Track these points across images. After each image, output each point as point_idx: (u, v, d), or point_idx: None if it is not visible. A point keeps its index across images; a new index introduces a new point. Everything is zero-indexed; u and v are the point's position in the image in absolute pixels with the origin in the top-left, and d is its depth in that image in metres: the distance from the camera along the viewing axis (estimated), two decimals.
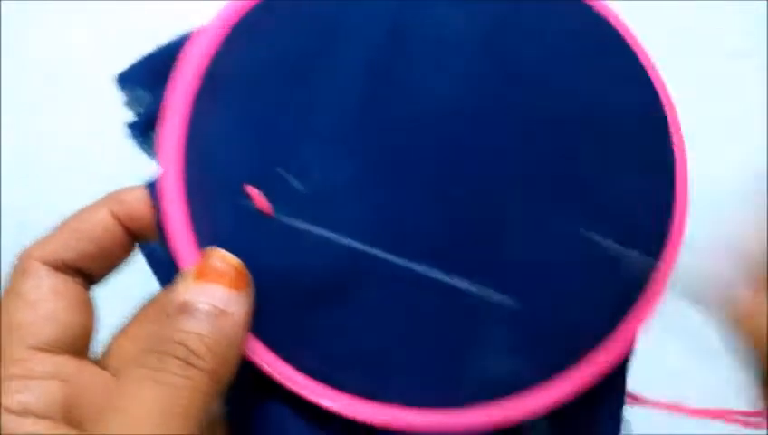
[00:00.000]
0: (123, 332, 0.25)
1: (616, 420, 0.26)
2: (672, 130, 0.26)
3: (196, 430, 0.20)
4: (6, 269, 0.40)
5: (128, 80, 0.26)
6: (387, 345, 0.23)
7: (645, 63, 0.27)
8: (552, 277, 0.24)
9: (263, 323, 0.23)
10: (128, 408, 0.19)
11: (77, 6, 0.45)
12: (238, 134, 0.24)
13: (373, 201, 0.23)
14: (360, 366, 0.23)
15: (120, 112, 0.42)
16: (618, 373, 0.25)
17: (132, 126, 0.26)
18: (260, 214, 0.23)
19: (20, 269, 0.23)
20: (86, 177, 0.42)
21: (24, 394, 0.21)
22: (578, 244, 0.24)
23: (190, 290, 0.21)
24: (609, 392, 0.26)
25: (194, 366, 0.20)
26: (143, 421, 0.19)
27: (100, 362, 0.24)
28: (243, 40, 0.25)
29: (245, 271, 0.22)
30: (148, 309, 0.25)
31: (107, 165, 0.42)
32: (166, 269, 0.24)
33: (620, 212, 0.25)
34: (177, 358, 0.20)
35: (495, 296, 0.23)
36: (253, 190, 0.23)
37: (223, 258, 0.22)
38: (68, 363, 0.22)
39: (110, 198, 0.24)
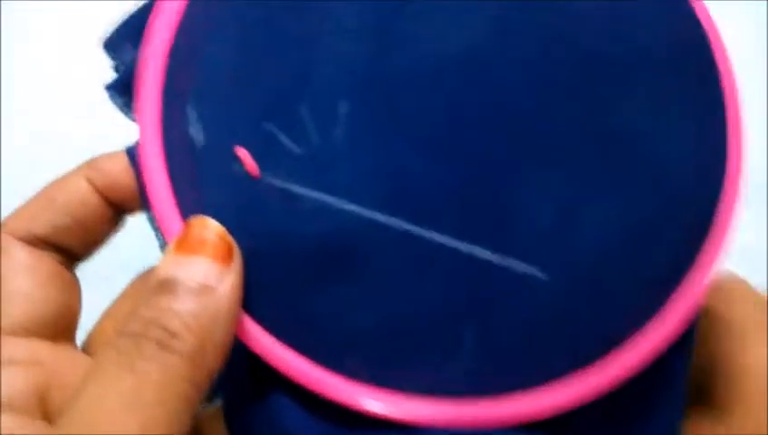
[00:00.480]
0: (108, 313, 0.23)
1: (674, 408, 0.23)
2: (720, 66, 0.23)
3: (178, 421, 0.18)
4: None
5: (114, 42, 0.24)
6: (398, 325, 0.20)
7: None
8: (585, 245, 0.21)
9: (258, 301, 0.20)
10: (94, 398, 0.17)
11: (77, 6, 0.44)
12: (222, 87, 0.21)
13: (380, 162, 0.21)
14: (369, 349, 0.21)
15: (119, 112, 0.42)
16: (674, 356, 0.22)
17: (111, 87, 0.24)
18: (250, 178, 0.21)
19: None
20: None
21: None
22: (615, 205, 0.21)
23: (169, 264, 0.19)
24: (664, 376, 0.22)
25: (170, 349, 0.18)
26: (109, 414, 0.17)
27: (85, 348, 0.22)
28: None
29: (231, 240, 0.20)
30: (135, 287, 0.23)
31: None
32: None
33: (664, 168, 0.22)
34: (150, 339, 0.18)
35: (521, 267, 0.20)
36: (242, 151, 0.21)
37: (204, 226, 0.20)
38: (42, 347, 0.20)
39: (88, 165, 0.22)
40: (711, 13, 0.23)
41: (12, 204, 0.40)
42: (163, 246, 0.24)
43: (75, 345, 0.22)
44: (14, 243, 0.21)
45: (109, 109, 0.43)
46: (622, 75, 0.22)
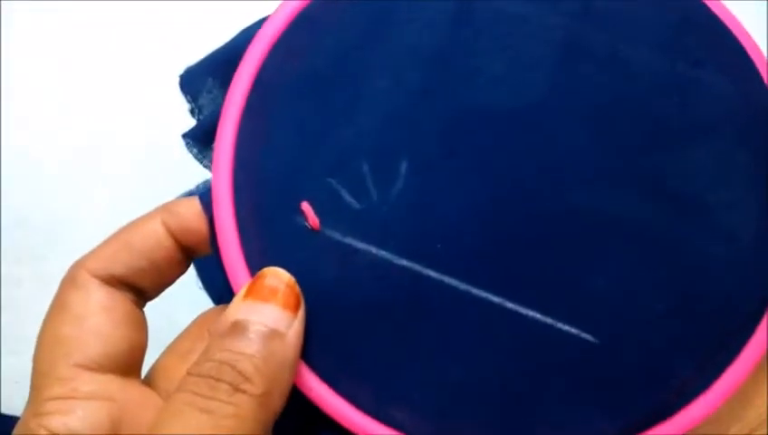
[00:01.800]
0: (171, 349, 0.24)
1: None
2: None
3: None
4: (6, 269, 0.39)
5: (192, 78, 0.25)
6: (447, 383, 0.21)
7: (750, 52, 0.23)
8: (638, 313, 0.21)
9: (314, 349, 0.22)
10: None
11: (78, 6, 0.45)
12: (290, 142, 0.23)
13: (435, 220, 0.22)
14: (419, 404, 0.21)
15: (119, 112, 0.42)
16: None
17: (188, 136, 0.25)
18: (312, 231, 0.22)
19: (69, 280, 0.22)
20: (86, 177, 0.42)
21: (69, 416, 0.20)
22: (672, 274, 0.22)
23: (241, 309, 0.21)
24: None
25: (242, 391, 0.19)
26: None
27: (148, 381, 0.23)
28: (293, 43, 0.24)
29: (298, 290, 0.21)
30: (198, 325, 0.24)
31: (106, 165, 0.42)
32: (218, 284, 0.23)
33: (726, 240, 0.22)
34: (224, 381, 0.19)
35: (573, 331, 0.21)
36: (305, 205, 0.22)
37: (276, 275, 0.21)
38: (114, 383, 0.21)
39: (163, 209, 0.23)
40: None
41: (12, 204, 0.40)
42: (210, 288, 0.25)
43: (141, 380, 0.23)
44: (93, 282, 0.22)
45: (107, 109, 0.43)
46: (688, 144, 0.22)
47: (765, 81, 0.23)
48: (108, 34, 0.45)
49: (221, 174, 0.23)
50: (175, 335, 0.24)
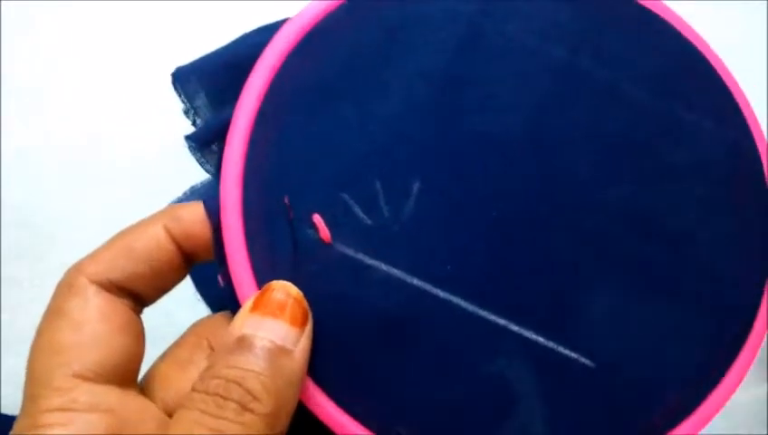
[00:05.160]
0: (168, 357, 0.23)
1: None
2: None
3: None
4: (6, 269, 0.39)
5: (183, 79, 0.25)
6: (449, 400, 0.21)
7: (738, 99, 0.25)
8: (633, 339, 0.22)
9: (321, 365, 0.21)
10: None
11: (78, 5, 0.45)
12: (303, 155, 0.23)
13: (444, 241, 0.22)
14: (425, 422, 0.21)
15: (119, 111, 0.42)
16: None
17: (190, 138, 0.24)
18: (322, 244, 0.22)
19: (66, 285, 0.21)
20: (86, 177, 0.42)
21: (68, 429, 0.20)
22: (664, 306, 0.23)
23: (247, 323, 0.20)
24: None
25: (250, 410, 0.19)
26: None
27: (144, 389, 0.22)
28: (309, 54, 0.23)
29: (305, 305, 0.21)
30: (195, 334, 0.23)
31: (106, 165, 0.42)
32: (217, 292, 0.22)
33: (714, 275, 0.23)
34: (232, 400, 0.19)
35: (572, 355, 0.22)
36: (317, 218, 0.22)
37: (284, 289, 0.21)
38: (112, 393, 0.21)
39: (166, 213, 0.22)
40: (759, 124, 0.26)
41: (12, 204, 0.40)
42: (210, 298, 0.24)
43: (138, 390, 0.22)
44: (92, 288, 0.21)
45: (107, 108, 0.43)
46: (679, 182, 0.23)
47: (750, 126, 0.25)
48: (108, 34, 0.44)
49: (230, 182, 0.22)
50: (173, 333, 0.24)
